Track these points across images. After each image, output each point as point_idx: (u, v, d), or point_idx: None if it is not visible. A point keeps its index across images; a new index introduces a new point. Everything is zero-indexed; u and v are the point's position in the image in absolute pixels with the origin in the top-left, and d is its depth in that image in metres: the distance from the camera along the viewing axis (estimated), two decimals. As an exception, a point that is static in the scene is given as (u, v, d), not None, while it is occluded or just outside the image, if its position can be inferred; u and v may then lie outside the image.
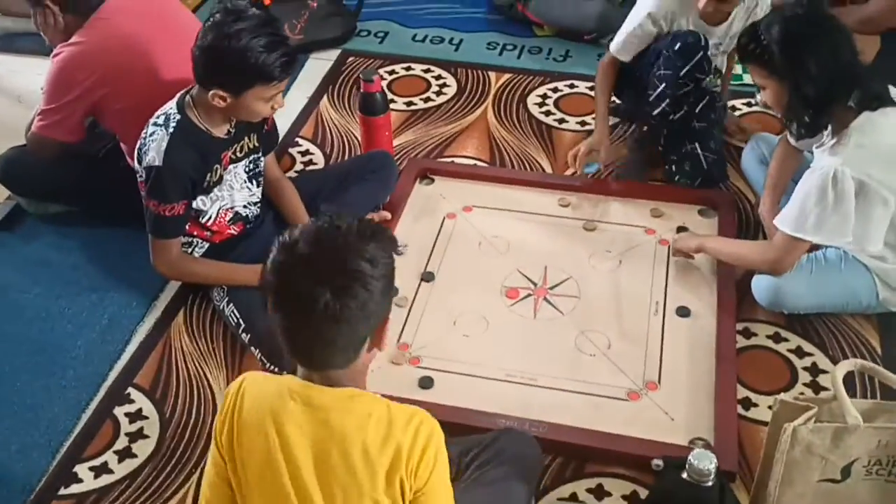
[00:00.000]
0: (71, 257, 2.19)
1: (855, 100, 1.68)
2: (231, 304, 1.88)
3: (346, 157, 2.47)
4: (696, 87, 2.18)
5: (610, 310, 1.95)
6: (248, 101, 1.74)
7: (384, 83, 2.76)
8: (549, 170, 2.40)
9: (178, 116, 1.78)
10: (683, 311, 1.92)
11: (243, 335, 1.86)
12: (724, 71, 2.38)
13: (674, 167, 2.24)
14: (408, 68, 2.87)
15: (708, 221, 2.16)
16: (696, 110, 2.23)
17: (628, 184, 2.27)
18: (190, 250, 1.94)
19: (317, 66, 2.90)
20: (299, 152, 2.52)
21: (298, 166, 2.47)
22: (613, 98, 2.39)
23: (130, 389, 1.86)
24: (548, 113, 2.62)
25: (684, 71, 2.11)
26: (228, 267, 1.93)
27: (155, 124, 1.78)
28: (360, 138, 2.43)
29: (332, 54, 2.96)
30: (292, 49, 1.74)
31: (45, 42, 2.14)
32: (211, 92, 1.73)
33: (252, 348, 1.85)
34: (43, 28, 2.10)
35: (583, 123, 2.57)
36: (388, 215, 2.19)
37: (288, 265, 1.14)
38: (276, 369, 1.81)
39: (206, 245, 1.95)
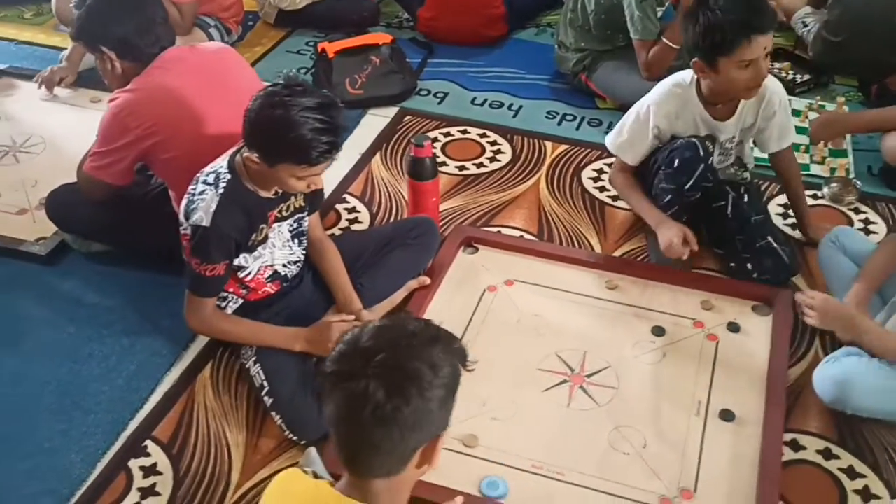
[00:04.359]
0: (108, 299, 2.19)
1: None
2: (258, 365, 1.84)
3: (393, 218, 2.44)
4: (719, 188, 2.16)
5: (648, 406, 1.85)
6: (281, 174, 1.71)
7: (438, 145, 2.75)
8: (598, 248, 2.32)
9: (228, 176, 1.75)
10: (727, 415, 1.81)
11: (266, 398, 1.81)
12: (749, 161, 2.28)
13: (749, 265, 2.13)
14: (464, 131, 2.84)
15: (762, 319, 2.04)
16: (745, 201, 2.19)
17: (680, 272, 2.17)
18: (223, 305, 1.92)
19: (373, 122, 2.89)
20: (346, 209, 2.49)
21: (343, 223, 2.44)
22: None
23: (148, 442, 1.82)
24: (602, 189, 2.55)
25: (688, 186, 2.07)
26: (260, 328, 1.89)
27: (205, 182, 1.75)
28: (406, 201, 2.39)
29: (390, 111, 2.95)
30: (339, 138, 1.70)
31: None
32: (250, 154, 1.71)
33: (273, 413, 1.80)
34: (103, 72, 2.14)
35: (637, 203, 2.49)
36: (427, 281, 2.13)
37: (347, 356, 1.10)
38: (297, 438, 1.77)
39: (241, 302, 1.92)
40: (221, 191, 1.73)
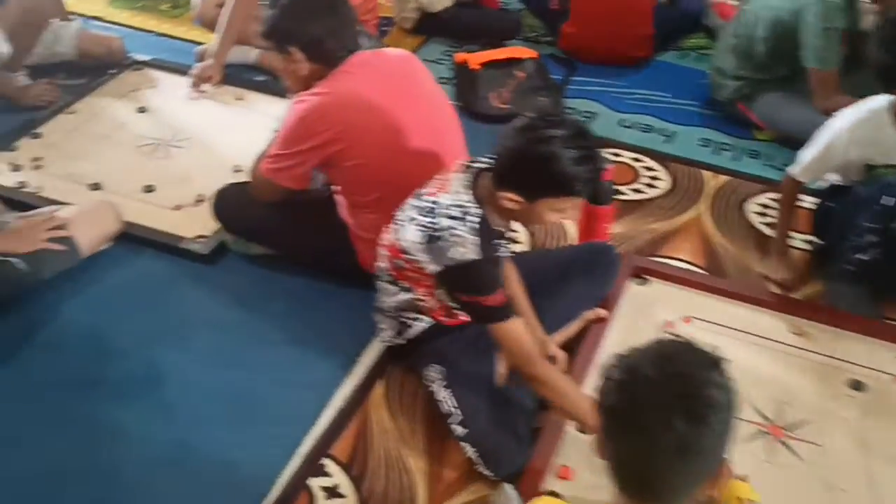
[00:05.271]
0: (272, 304, 2.13)
1: None
2: (448, 390, 1.76)
3: (554, 243, 2.35)
4: None
5: (859, 467, 1.73)
6: (540, 208, 1.62)
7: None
8: (772, 289, 2.21)
9: (479, 210, 1.64)
10: (950, 485, 1.68)
11: (457, 427, 1.72)
12: None
13: None
14: (615, 154, 2.75)
15: (970, 380, 1.92)
16: None
17: (874, 322, 2.05)
18: (410, 323, 1.84)
19: (521, 138, 2.81)
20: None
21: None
22: (814, 239, 2.32)
23: (326, 460, 1.75)
24: (771, 224, 2.44)
25: None
26: (575, 390, 1.71)
27: (450, 217, 1.63)
28: (577, 226, 2.30)
29: (537, 128, 2.86)
30: (599, 166, 1.63)
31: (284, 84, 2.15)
32: (504, 193, 1.61)
33: (465, 444, 1.71)
34: (284, 73, 2.08)
35: (810, 242, 2.37)
36: (604, 313, 2.04)
37: (633, 387, 1.08)
38: (490, 472, 1.68)
39: (430, 323, 1.83)
40: (476, 225, 1.62)
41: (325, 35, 1.97)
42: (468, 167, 1.72)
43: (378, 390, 1.91)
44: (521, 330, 1.68)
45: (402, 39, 3.40)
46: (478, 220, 1.63)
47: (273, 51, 2.07)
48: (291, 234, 2.17)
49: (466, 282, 1.64)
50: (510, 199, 1.61)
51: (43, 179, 2.48)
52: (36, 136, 2.68)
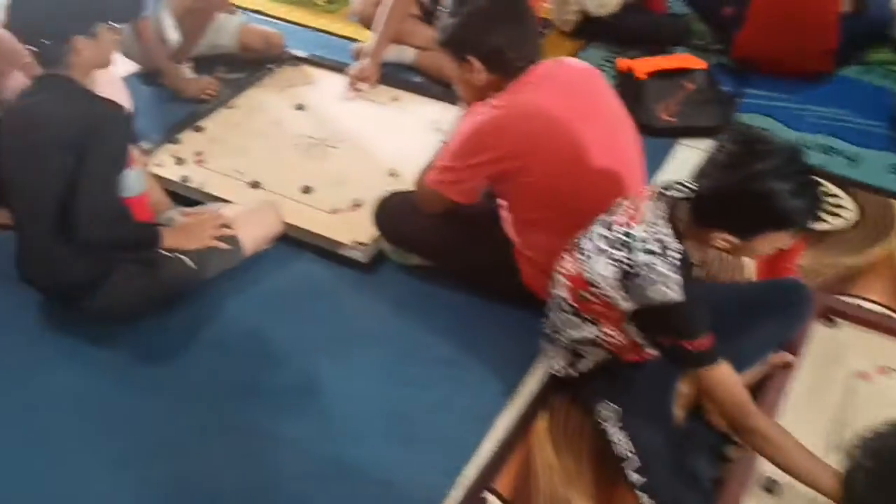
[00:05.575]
0: (430, 319, 2.06)
1: None
2: (625, 432, 1.64)
3: (728, 276, 2.17)
4: None
5: None
6: (757, 244, 1.49)
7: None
8: (981, 342, 1.98)
9: (679, 246, 1.52)
10: None
11: (633, 474, 1.60)
12: None
13: None
14: (794, 177, 2.54)
15: None
16: None
17: None
18: (587, 356, 1.72)
19: (686, 155, 2.65)
20: (672, 253, 2.26)
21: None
22: None
23: (489, 495, 1.66)
24: (976, 268, 2.19)
25: None
26: (800, 449, 1.50)
27: (648, 252, 1.50)
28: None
29: (705, 144, 2.69)
30: (817, 190, 1.46)
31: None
32: (714, 234, 1.49)
33: (642, 494, 1.59)
34: (459, 82, 1.99)
35: None
36: (790, 358, 1.86)
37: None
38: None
39: (609, 355, 1.71)
40: (677, 262, 1.50)
41: (506, 45, 1.87)
42: (661, 195, 1.58)
43: (542, 423, 1.81)
44: (732, 376, 1.53)
45: (561, 43, 3.28)
46: (679, 255, 1.50)
47: (449, 59, 1.98)
48: (453, 248, 2.09)
49: (669, 324, 1.51)
50: (724, 239, 1.47)
51: (206, 174, 2.49)
52: (199, 129, 2.71)
